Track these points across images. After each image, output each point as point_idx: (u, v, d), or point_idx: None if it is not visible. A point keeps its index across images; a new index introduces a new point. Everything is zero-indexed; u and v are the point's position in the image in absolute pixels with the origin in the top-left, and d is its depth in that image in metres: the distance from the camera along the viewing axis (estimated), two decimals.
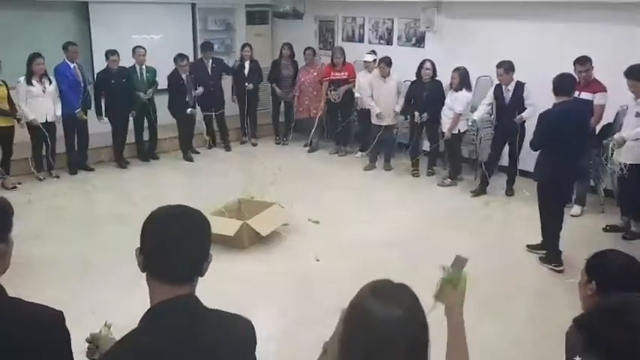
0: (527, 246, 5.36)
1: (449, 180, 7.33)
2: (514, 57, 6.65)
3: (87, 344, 1.72)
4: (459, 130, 7.15)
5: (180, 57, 8.10)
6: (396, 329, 1.26)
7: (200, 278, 1.49)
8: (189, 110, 8.20)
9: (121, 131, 7.89)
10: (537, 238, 5.27)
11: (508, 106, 6.60)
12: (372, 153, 8.00)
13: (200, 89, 8.32)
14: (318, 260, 5.17)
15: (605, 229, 5.85)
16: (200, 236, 1.46)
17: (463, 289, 1.70)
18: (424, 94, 7.34)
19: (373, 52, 8.27)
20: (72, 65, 7.33)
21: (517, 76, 6.57)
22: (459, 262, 1.69)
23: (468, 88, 7.07)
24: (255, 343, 1.54)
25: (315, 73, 8.75)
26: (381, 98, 7.70)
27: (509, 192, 6.94)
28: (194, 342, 1.39)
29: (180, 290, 1.41)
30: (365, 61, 8.04)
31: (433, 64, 7.36)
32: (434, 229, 5.94)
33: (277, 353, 3.74)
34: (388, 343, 1.25)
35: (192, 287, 1.45)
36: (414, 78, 7.57)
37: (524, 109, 6.50)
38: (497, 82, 6.72)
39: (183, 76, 8.11)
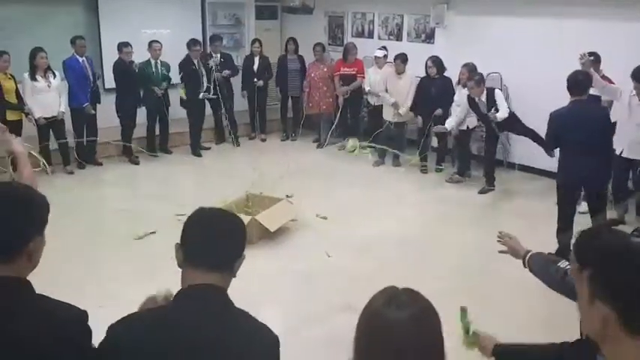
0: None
1: (457, 176, 7.30)
2: (523, 54, 6.63)
3: None
4: (467, 127, 7.12)
5: (192, 42, 8.11)
6: (409, 332, 1.25)
7: None
8: (201, 95, 8.15)
9: (130, 125, 7.90)
10: (541, 234, 5.22)
11: (485, 115, 6.55)
12: (381, 149, 7.99)
13: (227, 71, 8.40)
14: (329, 256, 5.17)
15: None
16: (237, 235, 1.59)
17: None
18: (432, 91, 7.31)
19: (384, 47, 8.24)
20: (81, 59, 7.36)
21: (526, 75, 6.52)
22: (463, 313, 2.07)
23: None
24: (278, 358, 1.56)
25: (325, 69, 8.74)
26: (395, 95, 7.66)
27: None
28: (216, 327, 1.46)
29: (212, 278, 1.50)
30: (376, 57, 8.01)
31: (437, 61, 7.31)
32: (442, 225, 5.92)
33: (283, 349, 3.74)
34: (402, 346, 1.24)
35: (224, 281, 1.54)
36: (423, 74, 7.54)
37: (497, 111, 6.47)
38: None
39: (195, 62, 8.09)
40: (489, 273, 4.85)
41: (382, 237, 5.52)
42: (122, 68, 7.65)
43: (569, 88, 4.84)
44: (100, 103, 7.67)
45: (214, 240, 1.54)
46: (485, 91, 6.51)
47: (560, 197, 5.05)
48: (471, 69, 6.91)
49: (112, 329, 1.49)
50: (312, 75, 8.77)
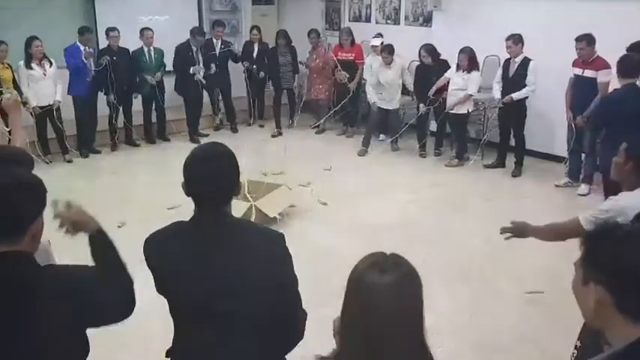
0: None
1: (456, 160, 7.31)
2: (521, 33, 6.58)
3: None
4: (467, 110, 7.11)
5: (199, 32, 8.05)
6: (387, 296, 1.28)
7: None
8: (192, 69, 8.05)
9: (125, 112, 7.87)
10: (545, 220, 5.23)
11: (511, 79, 6.57)
12: (367, 136, 7.94)
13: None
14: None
15: None
16: (229, 167, 1.80)
17: None
18: (433, 79, 7.28)
19: (380, 34, 8.19)
20: (82, 47, 7.25)
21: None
22: None
23: (477, 68, 7.01)
24: (285, 256, 1.82)
25: (318, 60, 8.62)
26: (386, 85, 7.66)
27: (516, 172, 6.90)
28: (231, 233, 1.77)
29: (218, 210, 1.76)
30: (372, 46, 7.95)
31: (430, 49, 7.27)
32: (441, 209, 5.94)
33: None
34: (379, 310, 1.28)
35: (228, 207, 1.81)
36: (418, 60, 7.52)
37: (525, 86, 6.46)
38: (507, 56, 6.69)
39: (194, 49, 8.03)
40: (493, 256, 4.88)
41: (382, 221, 5.54)
42: (110, 54, 7.54)
43: (618, 71, 4.76)
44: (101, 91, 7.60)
45: (209, 184, 1.75)
46: (522, 56, 6.51)
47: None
48: (470, 54, 6.89)
49: (146, 242, 1.81)
50: (312, 64, 8.68)
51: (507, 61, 6.72)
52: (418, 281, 1.35)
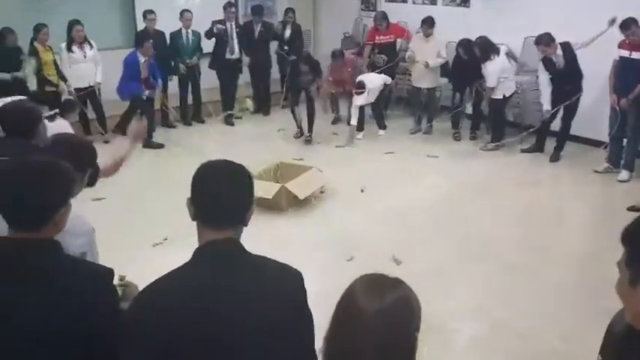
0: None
1: (491, 144, 7.17)
2: (562, 15, 6.39)
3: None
4: (504, 95, 6.95)
5: (229, 4, 8.06)
6: (371, 324, 1.23)
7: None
8: (216, 28, 7.94)
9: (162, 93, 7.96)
10: (582, 206, 5.12)
11: (563, 72, 6.35)
12: (418, 116, 7.94)
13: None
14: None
15: None
16: (244, 187, 1.58)
17: None
18: (471, 73, 7.14)
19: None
20: (142, 59, 7.18)
21: (576, 38, 6.26)
22: None
23: (496, 53, 6.82)
24: (305, 294, 1.60)
25: (350, 69, 7.89)
26: (421, 58, 7.53)
27: (554, 158, 6.73)
28: (238, 277, 1.50)
29: (226, 234, 1.53)
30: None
31: (466, 46, 7.01)
32: (473, 194, 5.84)
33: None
34: (362, 335, 1.23)
35: (237, 233, 1.57)
36: (457, 40, 7.35)
37: (578, 68, 6.26)
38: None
39: (228, 25, 8.03)
40: (524, 242, 4.81)
41: (413, 206, 5.50)
42: (143, 36, 7.54)
43: None
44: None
45: (223, 199, 1.53)
46: (558, 47, 6.28)
47: None
48: (482, 44, 6.80)
49: (137, 300, 1.53)
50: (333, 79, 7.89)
51: (547, 58, 6.37)
52: (412, 310, 1.29)
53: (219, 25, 8.03)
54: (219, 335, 1.44)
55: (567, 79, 6.36)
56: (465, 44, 7.08)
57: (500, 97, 6.94)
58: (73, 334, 1.49)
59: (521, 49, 7.38)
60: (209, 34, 8.07)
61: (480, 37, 6.86)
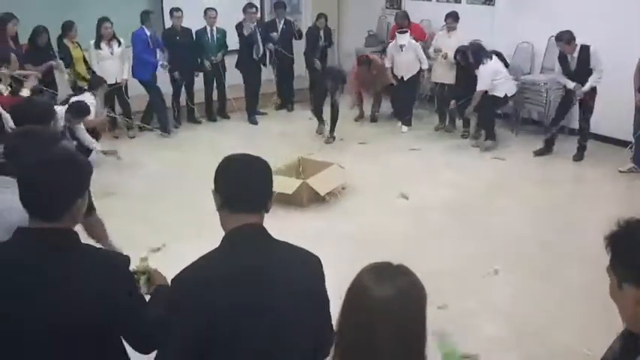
0: None
1: (489, 142, 7.11)
2: (587, 14, 6.31)
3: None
4: (505, 95, 6.97)
5: (249, 5, 8.12)
6: (386, 309, 1.25)
7: None
8: (247, 28, 7.99)
9: (187, 90, 8.11)
10: (606, 206, 5.06)
11: (574, 73, 6.29)
12: (442, 113, 7.95)
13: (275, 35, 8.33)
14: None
15: None
16: (267, 176, 1.71)
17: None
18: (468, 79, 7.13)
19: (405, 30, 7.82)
20: (148, 32, 7.50)
21: (604, 38, 6.18)
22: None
23: (488, 57, 6.83)
24: (324, 278, 1.74)
25: (375, 72, 8.05)
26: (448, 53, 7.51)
27: (578, 157, 6.65)
28: (268, 259, 1.63)
29: (252, 219, 1.66)
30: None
31: (463, 55, 7.02)
32: (492, 192, 5.85)
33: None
34: (378, 322, 1.25)
35: (261, 219, 1.69)
36: (481, 39, 7.33)
37: (591, 72, 6.18)
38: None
39: (252, 26, 8.07)
40: (541, 242, 4.80)
41: (431, 204, 5.52)
42: (170, 34, 7.75)
43: None
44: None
45: (249, 186, 1.67)
46: (578, 48, 6.20)
47: None
48: (473, 50, 6.85)
49: (178, 281, 1.61)
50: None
51: (563, 55, 6.35)
52: (422, 293, 1.31)
53: (250, 24, 8.04)
54: (262, 300, 1.58)
55: (577, 81, 6.29)
56: (461, 52, 7.10)
57: (502, 95, 6.95)
58: (92, 319, 1.58)
59: (546, 47, 7.32)
60: (239, 29, 8.09)
61: (471, 43, 6.89)
